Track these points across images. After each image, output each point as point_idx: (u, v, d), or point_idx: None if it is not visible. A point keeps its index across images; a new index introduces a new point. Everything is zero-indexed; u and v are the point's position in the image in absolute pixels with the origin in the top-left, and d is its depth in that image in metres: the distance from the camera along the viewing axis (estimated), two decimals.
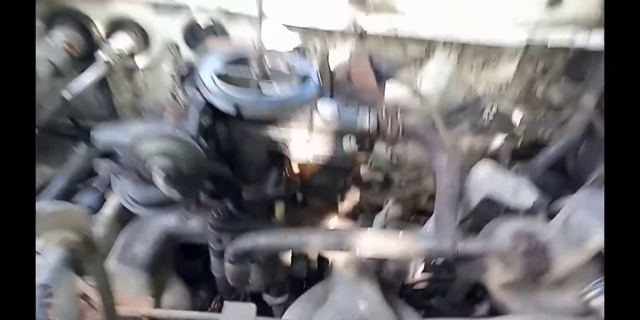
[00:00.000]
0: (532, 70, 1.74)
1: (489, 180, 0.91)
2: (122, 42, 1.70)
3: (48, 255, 0.62)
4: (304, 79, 1.01)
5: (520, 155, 1.82)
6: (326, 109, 0.93)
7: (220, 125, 0.95)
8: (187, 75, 1.02)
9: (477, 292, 1.08)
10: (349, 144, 0.94)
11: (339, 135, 0.94)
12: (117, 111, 2.02)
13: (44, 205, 0.60)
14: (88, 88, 1.66)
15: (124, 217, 1.19)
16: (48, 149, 1.84)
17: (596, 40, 1.62)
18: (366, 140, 0.98)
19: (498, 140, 1.87)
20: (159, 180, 0.79)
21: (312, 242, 0.84)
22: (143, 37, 1.73)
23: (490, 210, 0.89)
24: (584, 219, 0.76)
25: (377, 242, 0.82)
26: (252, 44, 1.16)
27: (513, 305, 0.91)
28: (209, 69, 0.98)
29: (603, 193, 0.86)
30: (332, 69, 1.25)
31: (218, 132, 0.94)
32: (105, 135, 0.84)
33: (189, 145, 0.81)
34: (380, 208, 1.29)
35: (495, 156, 1.86)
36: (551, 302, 0.90)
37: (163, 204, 0.90)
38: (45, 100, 1.57)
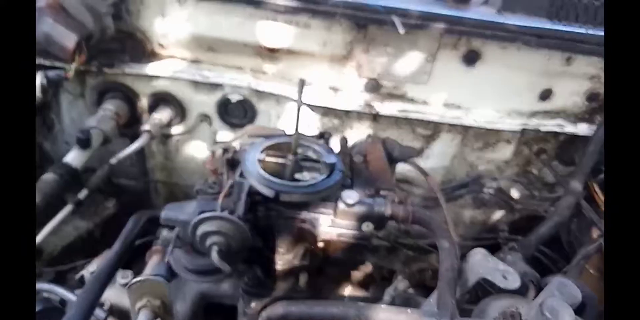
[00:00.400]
0: (528, 152, 1.94)
1: (482, 264, 1.08)
2: (163, 114, 1.92)
3: (140, 317, 0.78)
4: (331, 166, 1.20)
5: (518, 227, 1.99)
6: (348, 197, 1.12)
7: (260, 205, 1.13)
8: (232, 160, 1.22)
9: None
10: (367, 226, 1.12)
11: (359, 219, 1.12)
12: (148, 171, 2.21)
13: (138, 277, 0.77)
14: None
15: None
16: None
17: (582, 128, 1.84)
18: (380, 223, 1.16)
19: (498, 214, 2.05)
20: (213, 254, 0.96)
21: (336, 314, 1.00)
22: (181, 110, 1.95)
23: (484, 289, 1.05)
24: (555, 304, 0.92)
25: (389, 316, 0.98)
26: (284, 131, 1.37)
27: None
28: (251, 156, 1.18)
29: (576, 280, 1.03)
30: (350, 153, 1.45)
31: (258, 211, 1.13)
32: (169, 214, 1.03)
33: (239, 227, 0.99)
34: (388, 276, 1.44)
35: (494, 228, 2.03)
36: None
37: (209, 272, 1.06)
38: (97, 166, 1.78)
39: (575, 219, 1.85)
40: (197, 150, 2.09)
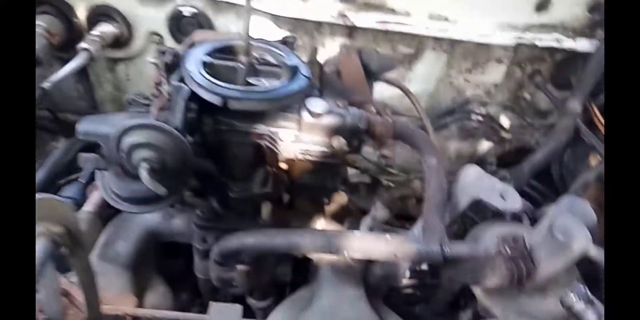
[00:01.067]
0: (521, 74, 1.74)
1: (477, 183, 0.90)
2: (105, 32, 1.65)
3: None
4: (293, 70, 0.98)
5: (507, 160, 1.83)
6: (315, 106, 0.91)
7: (207, 118, 0.91)
8: (172, 64, 0.98)
9: (460, 300, 1.07)
10: (338, 142, 0.92)
11: (328, 133, 0.91)
12: (97, 104, 1.97)
13: None
14: (68, 80, 1.61)
15: (106, 214, 1.16)
16: None
17: (582, 44, 1.64)
18: (355, 140, 0.96)
19: (485, 146, 1.87)
20: (142, 172, 0.75)
21: (300, 244, 0.82)
22: (127, 27, 1.69)
23: (478, 214, 0.89)
24: (567, 224, 0.76)
25: (365, 244, 0.80)
26: (239, 33, 1.13)
27: (495, 311, 0.90)
28: (194, 59, 0.95)
29: (585, 199, 0.87)
30: (321, 63, 1.23)
31: (204, 125, 0.91)
32: (87, 126, 0.81)
33: (174, 137, 0.78)
34: (367, 212, 1.27)
35: (482, 161, 1.86)
36: (533, 307, 0.89)
37: (147, 200, 0.86)
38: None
39: (569, 149, 1.70)
40: (150, 78, 1.83)
